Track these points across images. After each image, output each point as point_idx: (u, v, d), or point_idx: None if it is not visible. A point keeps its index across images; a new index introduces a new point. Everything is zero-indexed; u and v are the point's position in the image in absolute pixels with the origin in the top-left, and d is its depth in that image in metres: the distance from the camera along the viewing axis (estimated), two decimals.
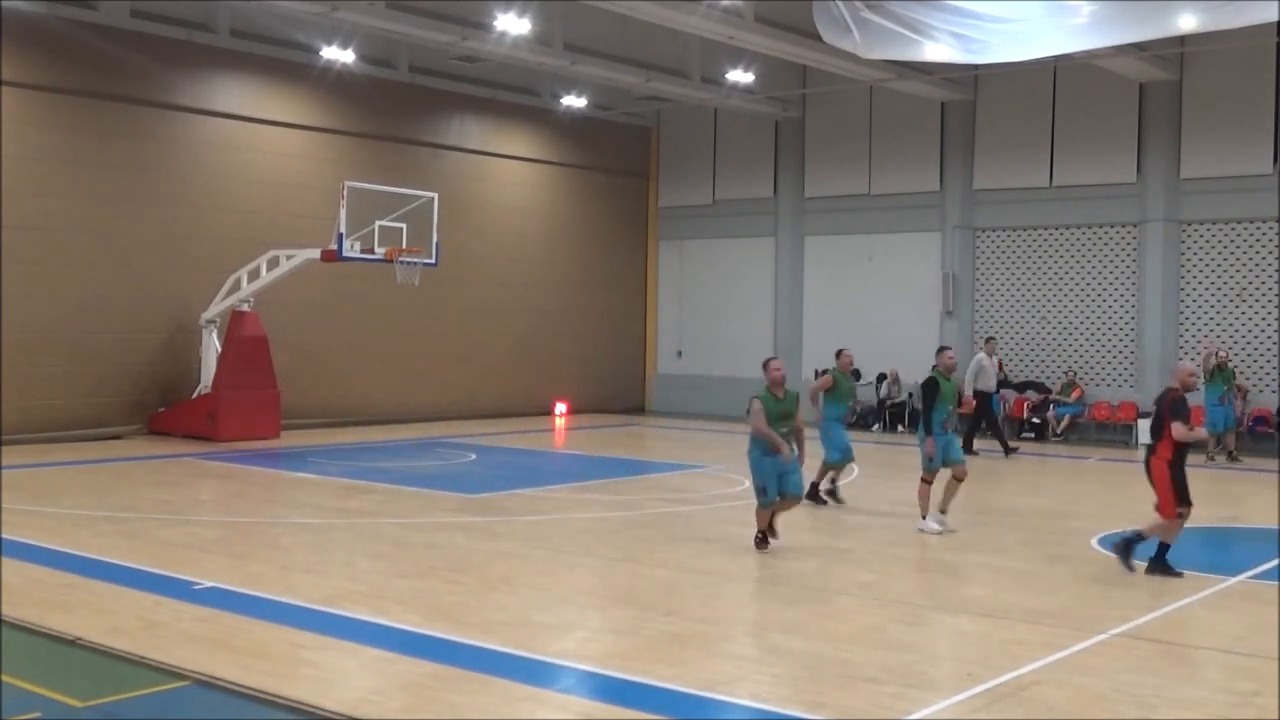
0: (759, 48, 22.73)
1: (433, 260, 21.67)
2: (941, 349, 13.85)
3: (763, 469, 11.61)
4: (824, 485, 15.15)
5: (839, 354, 15.57)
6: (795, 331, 29.63)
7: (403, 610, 9.20)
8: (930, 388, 13.14)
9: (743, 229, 30.43)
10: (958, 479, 13.16)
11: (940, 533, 12.98)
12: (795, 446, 11.71)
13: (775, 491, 11.60)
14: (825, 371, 15.68)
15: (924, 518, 13.18)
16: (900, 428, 26.81)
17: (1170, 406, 10.84)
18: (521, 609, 9.38)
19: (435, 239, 21.71)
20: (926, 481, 13.19)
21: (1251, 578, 10.92)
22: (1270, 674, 7.82)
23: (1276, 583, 10.53)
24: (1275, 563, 11.56)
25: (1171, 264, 24.64)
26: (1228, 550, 13.35)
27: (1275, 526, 13.81)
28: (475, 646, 8.18)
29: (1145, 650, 8.42)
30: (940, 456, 13.04)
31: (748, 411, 11.88)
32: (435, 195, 21.95)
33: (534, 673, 7.63)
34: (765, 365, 11.86)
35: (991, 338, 24.26)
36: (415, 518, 13.72)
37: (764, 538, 11.86)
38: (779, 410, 11.57)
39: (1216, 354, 21.20)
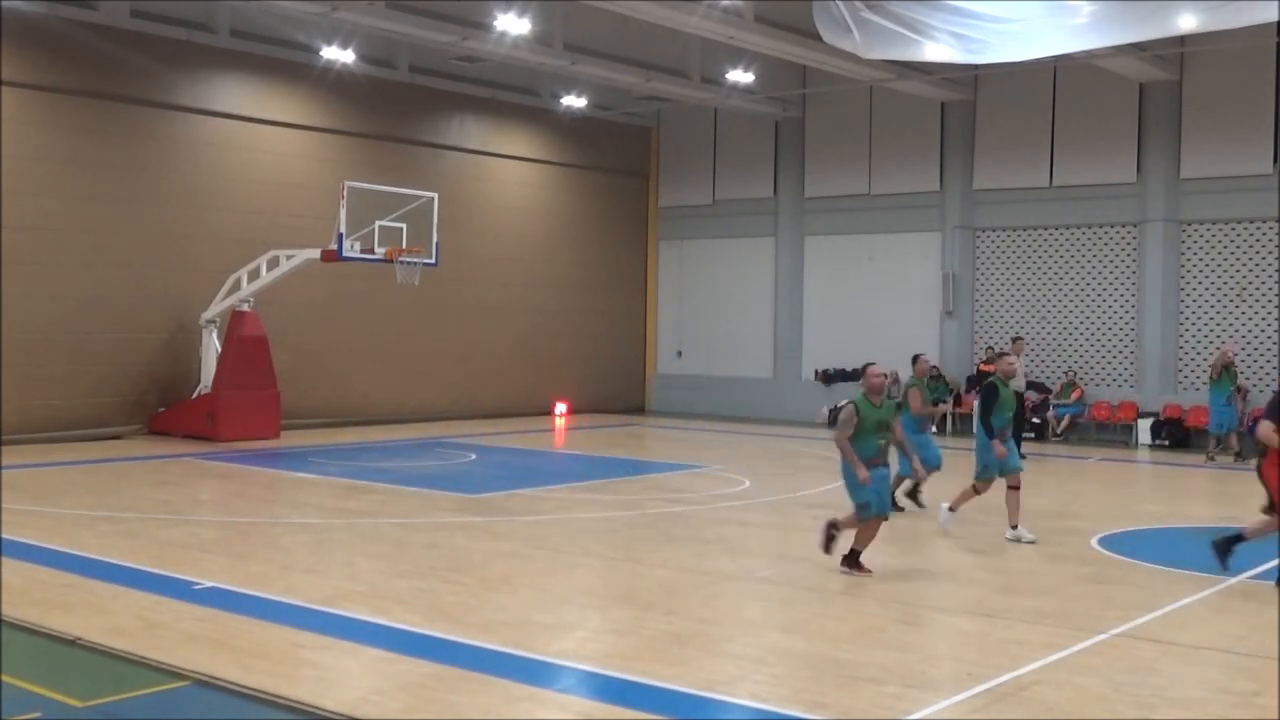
0: (759, 48, 22.73)
1: (433, 260, 21.67)
2: (1000, 354, 13.53)
3: (859, 484, 10.60)
4: (901, 489, 14.60)
5: (915, 360, 14.64)
6: (795, 331, 29.64)
7: (403, 610, 9.20)
8: (990, 393, 12.69)
9: (743, 229, 30.43)
10: (1013, 487, 12.70)
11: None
12: (904, 455, 11.22)
13: (877, 503, 10.65)
14: (911, 385, 14.83)
15: (952, 510, 12.93)
16: None
17: (1270, 405, 10.75)
18: (521, 609, 9.38)
19: (435, 239, 21.71)
20: (978, 491, 12.79)
21: (1251, 578, 10.91)
22: (1270, 674, 7.81)
23: (1276, 583, 10.52)
24: (1275, 563, 11.55)
25: (1171, 264, 24.65)
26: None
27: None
28: (475, 646, 8.18)
29: (1145, 650, 8.42)
30: (997, 463, 12.62)
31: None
32: (435, 195, 21.96)
33: (534, 673, 7.63)
34: (864, 370, 10.95)
35: (1019, 337, 24.11)
36: (415, 518, 13.72)
37: (857, 556, 10.77)
38: (876, 419, 10.62)
39: (1225, 353, 21.22)
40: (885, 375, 10.86)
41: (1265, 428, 10.52)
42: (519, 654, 7.99)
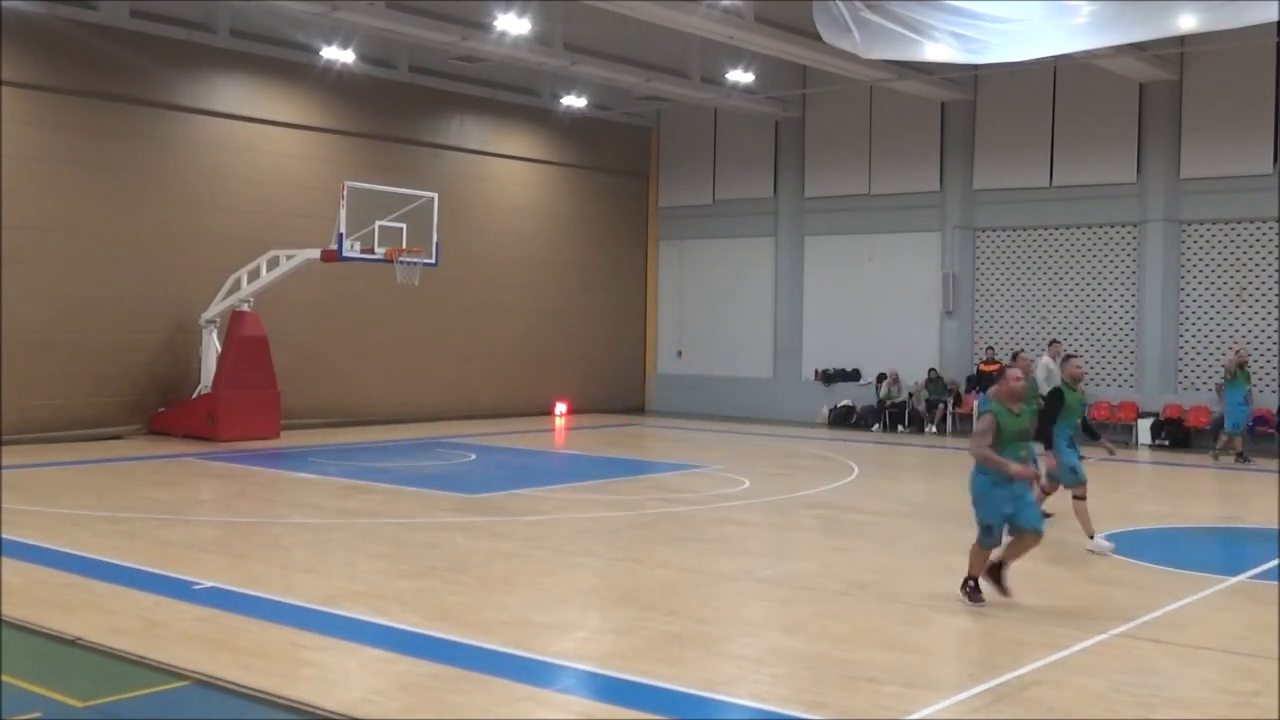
0: (759, 48, 22.73)
1: (433, 260, 21.68)
2: (1068, 357, 12.87)
3: (993, 502, 9.54)
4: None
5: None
6: (795, 331, 29.64)
7: (403, 610, 9.19)
8: (1055, 398, 12.04)
9: (743, 229, 30.43)
10: (1047, 492, 12.20)
11: (1114, 550, 11.93)
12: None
13: (1001, 530, 9.64)
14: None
15: (1091, 537, 12.06)
16: (900, 428, 26.80)
17: None
18: (521, 609, 9.38)
19: (435, 239, 21.72)
20: (1079, 498, 12.05)
21: (1251, 578, 10.92)
22: (1270, 674, 7.82)
23: (1277, 583, 10.53)
24: (1275, 563, 11.56)
25: (1171, 264, 24.64)
26: (1228, 550, 13.35)
27: (1275, 527, 13.81)
28: (475, 646, 8.17)
29: (1145, 650, 8.42)
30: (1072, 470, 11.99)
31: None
32: (435, 195, 21.96)
33: (534, 673, 7.63)
34: (1003, 373, 9.82)
35: (1056, 340, 23.93)
36: (415, 518, 13.72)
37: (977, 586, 9.73)
38: (1016, 428, 9.59)
39: (1239, 353, 21.25)
40: (1024, 381, 9.86)
41: None
42: (519, 654, 7.99)
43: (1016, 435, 9.59)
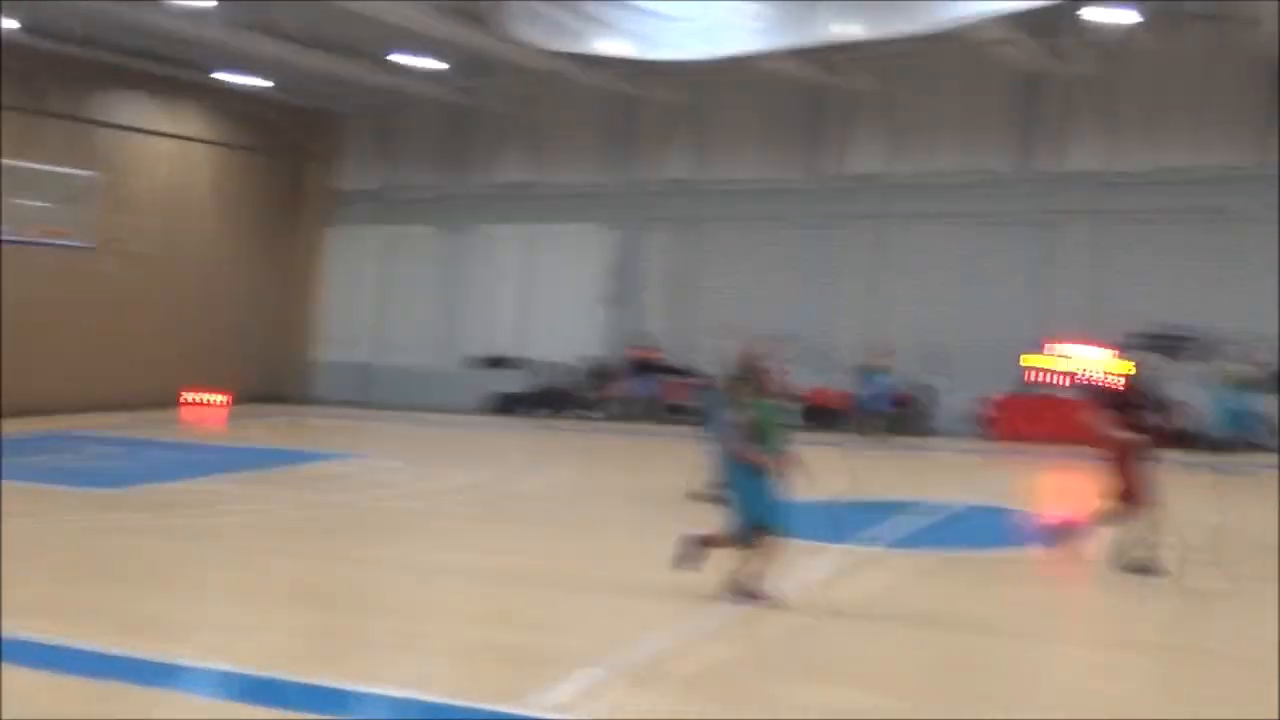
0: (442, 34, 22.40)
1: (85, 243, 20.32)
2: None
3: (756, 501, 9.08)
4: None
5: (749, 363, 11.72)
6: (461, 319, 29.65)
7: (30, 617, 8.33)
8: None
9: (415, 216, 30.25)
10: None
11: None
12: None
13: (753, 531, 9.16)
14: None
15: None
16: (562, 412, 26.85)
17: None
18: (168, 609, 9.04)
19: (90, 221, 20.38)
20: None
21: (888, 546, 11.93)
22: (893, 633, 8.53)
23: (885, 548, 11.63)
24: (903, 532, 12.64)
25: (826, 258, 26.09)
26: (847, 520, 13.89)
27: (889, 499, 14.87)
28: (116, 656, 7.59)
29: (779, 617, 8.88)
30: None
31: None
32: (94, 174, 20.65)
33: (170, 677, 7.26)
34: (749, 362, 9.28)
35: (728, 319, 24.37)
36: (51, 516, 12.78)
37: (700, 551, 9.35)
38: (775, 422, 9.17)
39: (879, 342, 22.56)
40: (773, 370, 9.39)
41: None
42: (158, 660, 7.52)
43: (774, 429, 9.19)
